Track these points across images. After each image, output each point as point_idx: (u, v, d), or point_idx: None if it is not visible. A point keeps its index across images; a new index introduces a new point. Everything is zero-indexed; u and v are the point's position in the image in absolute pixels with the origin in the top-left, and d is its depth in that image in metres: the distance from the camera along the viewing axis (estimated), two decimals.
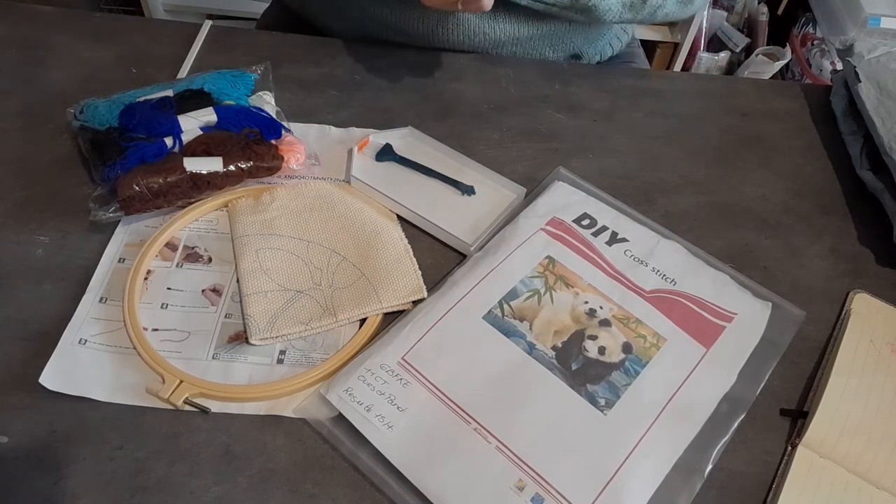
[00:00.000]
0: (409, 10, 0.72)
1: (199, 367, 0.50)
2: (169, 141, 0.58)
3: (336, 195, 0.61)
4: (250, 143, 0.60)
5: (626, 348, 0.52)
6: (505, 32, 0.74)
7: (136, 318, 0.51)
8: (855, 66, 0.72)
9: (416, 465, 0.45)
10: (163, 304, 0.53)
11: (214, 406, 0.48)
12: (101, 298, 0.53)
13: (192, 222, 0.59)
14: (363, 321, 0.54)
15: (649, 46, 1.72)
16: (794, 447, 0.48)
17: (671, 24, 1.71)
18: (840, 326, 0.56)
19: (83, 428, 0.47)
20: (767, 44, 1.75)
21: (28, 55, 0.73)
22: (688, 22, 1.65)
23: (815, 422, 0.49)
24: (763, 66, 1.67)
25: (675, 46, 1.74)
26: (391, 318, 0.54)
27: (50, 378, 0.48)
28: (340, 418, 0.47)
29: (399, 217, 0.61)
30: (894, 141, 0.64)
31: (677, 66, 1.73)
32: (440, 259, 0.58)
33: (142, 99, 0.62)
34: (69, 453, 0.46)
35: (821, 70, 1.60)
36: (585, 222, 0.60)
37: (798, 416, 0.51)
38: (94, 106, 0.62)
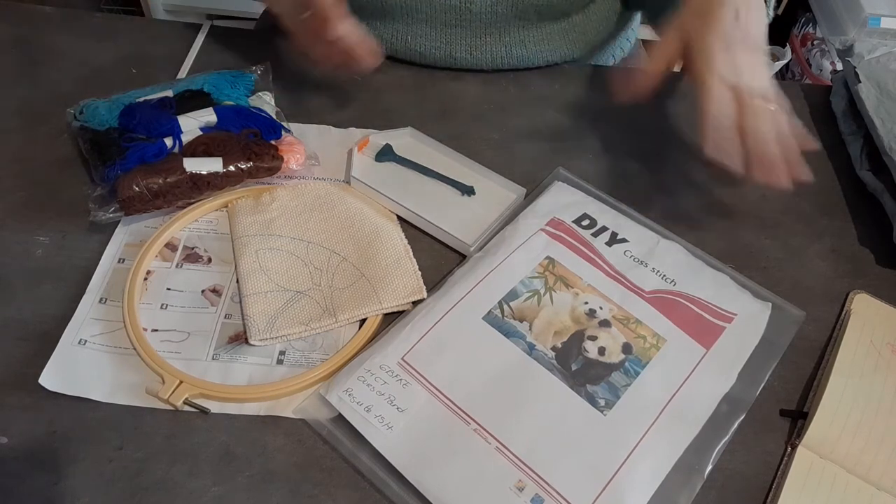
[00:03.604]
0: (418, 32, 0.72)
1: (198, 367, 0.50)
2: (169, 141, 0.58)
3: (336, 195, 0.61)
4: (250, 144, 0.60)
5: (626, 349, 0.52)
6: (525, 57, 0.75)
7: (135, 319, 0.51)
8: (855, 67, 0.72)
9: (416, 466, 0.45)
10: (162, 304, 0.53)
11: (214, 406, 0.48)
12: (101, 299, 0.53)
13: (192, 223, 0.59)
14: (363, 322, 0.54)
15: (650, 47, 1.72)
16: (794, 448, 0.48)
17: None
18: (840, 327, 0.56)
19: (83, 428, 0.47)
20: (767, 44, 1.74)
21: (28, 55, 0.73)
22: None
23: (814, 422, 0.49)
24: None
25: None
26: (391, 318, 0.54)
27: (50, 378, 0.48)
28: (340, 419, 0.47)
29: (399, 217, 0.61)
30: (894, 141, 0.64)
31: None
32: (440, 259, 0.58)
33: (142, 99, 0.62)
34: (69, 453, 0.46)
35: (821, 70, 1.60)
36: (585, 223, 0.60)
37: (798, 417, 0.51)
38: (94, 106, 0.62)
